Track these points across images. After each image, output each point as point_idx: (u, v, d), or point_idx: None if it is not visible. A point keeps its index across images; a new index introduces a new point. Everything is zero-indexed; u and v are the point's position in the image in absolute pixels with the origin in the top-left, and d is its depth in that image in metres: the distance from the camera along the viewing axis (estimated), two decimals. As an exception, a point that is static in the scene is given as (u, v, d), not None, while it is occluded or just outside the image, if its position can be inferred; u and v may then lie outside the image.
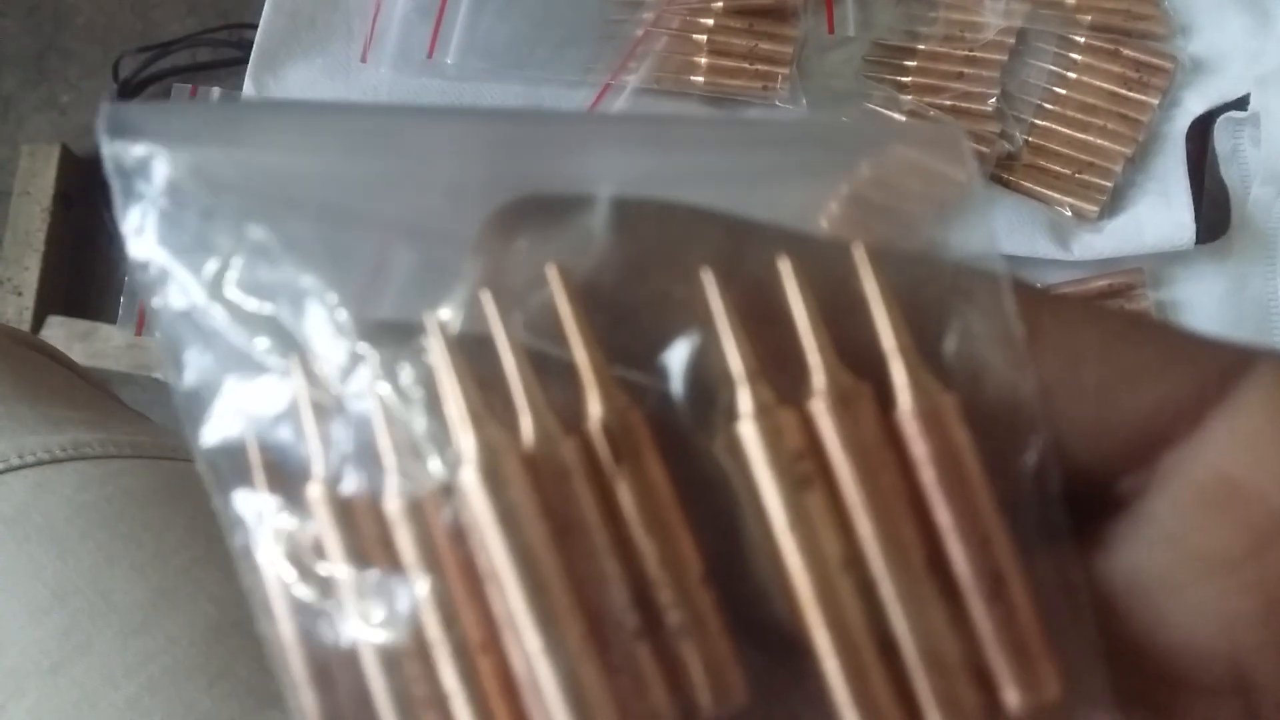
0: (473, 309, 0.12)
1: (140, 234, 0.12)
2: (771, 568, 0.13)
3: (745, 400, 0.13)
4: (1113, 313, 0.13)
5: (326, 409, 0.12)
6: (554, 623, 0.12)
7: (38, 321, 0.77)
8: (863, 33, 0.52)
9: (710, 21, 0.49)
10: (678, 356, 0.13)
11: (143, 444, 0.38)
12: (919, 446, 0.13)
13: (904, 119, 0.49)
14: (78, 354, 0.64)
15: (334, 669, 0.12)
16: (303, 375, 0.13)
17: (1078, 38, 0.52)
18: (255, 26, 0.61)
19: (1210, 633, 0.13)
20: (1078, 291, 0.49)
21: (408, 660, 0.12)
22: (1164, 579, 0.13)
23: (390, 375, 0.12)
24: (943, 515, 0.13)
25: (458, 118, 0.16)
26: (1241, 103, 0.52)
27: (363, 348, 0.12)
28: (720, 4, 0.49)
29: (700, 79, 0.49)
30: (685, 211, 0.13)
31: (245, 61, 0.63)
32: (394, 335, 0.12)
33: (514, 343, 0.12)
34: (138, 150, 0.12)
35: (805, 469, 0.13)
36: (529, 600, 0.12)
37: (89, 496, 0.35)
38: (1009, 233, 0.47)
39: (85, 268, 0.97)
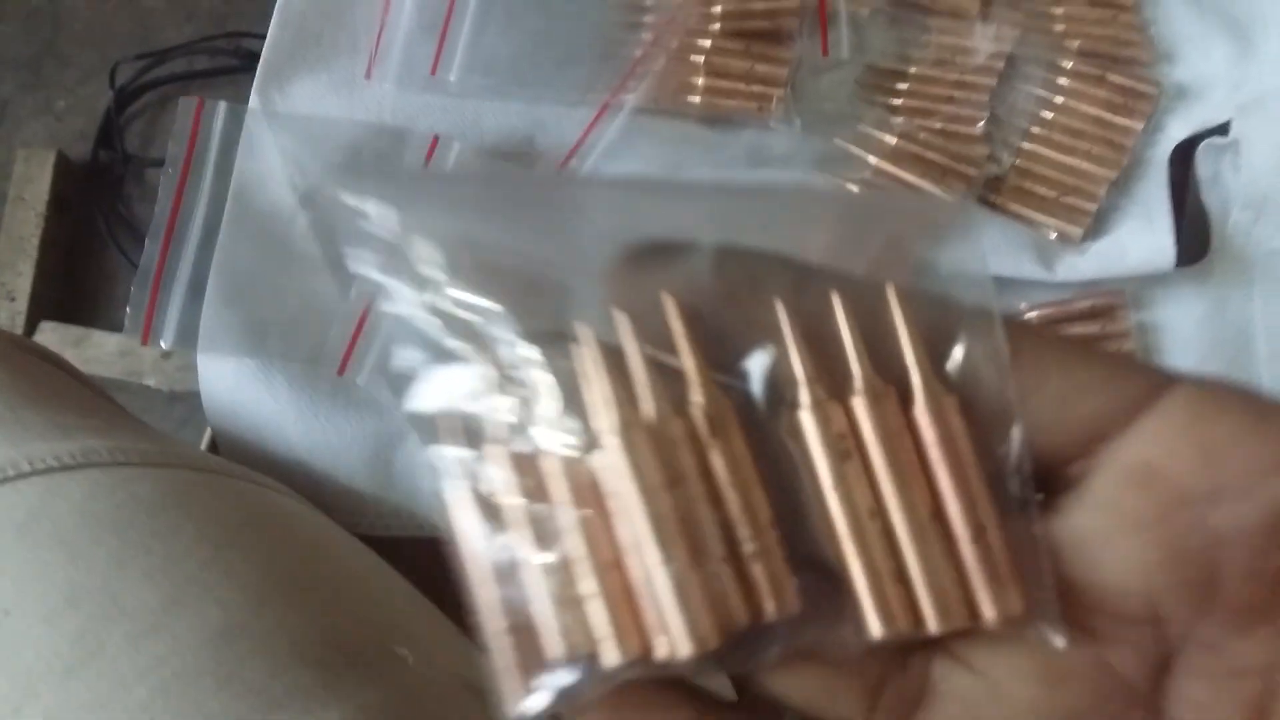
0: (607, 323, 0.17)
1: (364, 261, 0.18)
2: (819, 515, 0.18)
3: (804, 396, 0.18)
4: (1073, 340, 0.19)
5: (501, 389, 0.17)
6: (668, 545, 0.17)
7: (30, 326, 0.77)
8: (856, 56, 0.53)
9: (708, 43, 0.50)
10: (757, 363, 0.18)
11: (150, 452, 0.39)
12: (928, 432, 0.18)
13: (905, 184, 0.50)
14: (70, 359, 0.64)
15: (504, 576, 0.17)
16: (487, 364, 0.17)
17: (1065, 64, 0.53)
18: (253, 35, 0.62)
19: (1131, 576, 0.18)
20: (1062, 312, 0.50)
21: (557, 571, 0.17)
22: (1099, 536, 0.18)
23: (547, 368, 0.17)
24: (943, 481, 0.18)
25: (592, 186, 0.21)
26: (1223, 129, 0.54)
27: (528, 347, 0.17)
28: (718, 26, 0.50)
29: (697, 99, 0.50)
30: (764, 256, 0.18)
31: (242, 70, 0.64)
32: (550, 339, 0.17)
33: (638, 349, 0.17)
34: (366, 204, 0.17)
35: (846, 445, 0.18)
36: (652, 527, 0.17)
37: (99, 504, 0.35)
38: (995, 253, 0.49)
39: (79, 273, 0.97)
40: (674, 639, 0.17)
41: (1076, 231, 0.51)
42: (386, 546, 0.41)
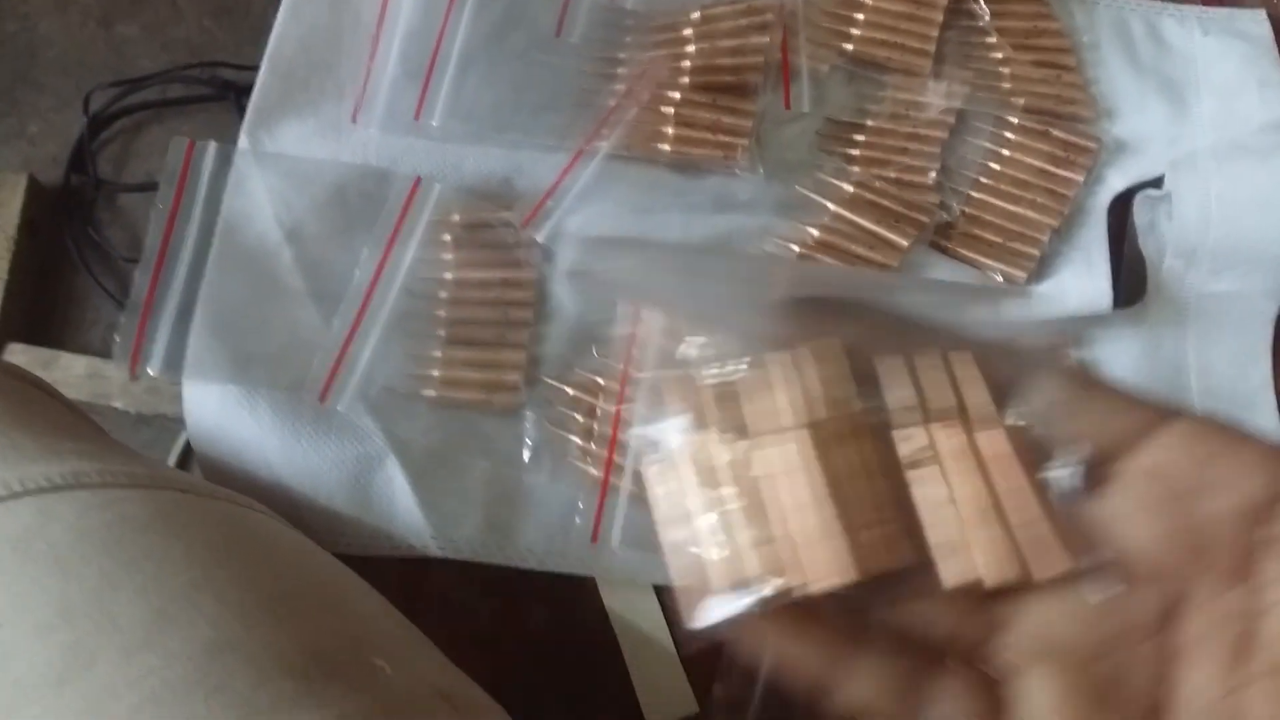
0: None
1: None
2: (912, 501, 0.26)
3: (901, 418, 0.26)
4: (1102, 381, 0.27)
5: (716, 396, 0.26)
6: (824, 506, 0.24)
7: None
8: (817, 109, 0.56)
9: (677, 95, 0.53)
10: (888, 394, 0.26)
11: (137, 474, 0.40)
12: (990, 450, 0.26)
13: (862, 229, 0.54)
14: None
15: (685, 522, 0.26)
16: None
17: (1012, 119, 0.57)
18: (229, 65, 0.63)
19: (1146, 545, 0.25)
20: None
21: (731, 520, 0.25)
22: (1123, 517, 0.25)
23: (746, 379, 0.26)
24: (1000, 483, 0.25)
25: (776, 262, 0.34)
26: (1158, 182, 0.57)
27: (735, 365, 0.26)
28: (686, 80, 0.53)
29: (667, 147, 0.53)
30: (892, 317, 0.27)
31: (217, 99, 0.65)
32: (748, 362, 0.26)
33: (814, 370, 0.26)
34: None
35: (926, 455, 0.26)
36: (815, 493, 0.25)
37: (90, 523, 0.37)
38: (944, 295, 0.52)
39: (48, 296, 0.97)
40: (823, 571, 0.24)
41: (1021, 275, 0.54)
42: (362, 566, 0.43)
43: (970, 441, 0.25)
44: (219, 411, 0.47)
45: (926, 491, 0.25)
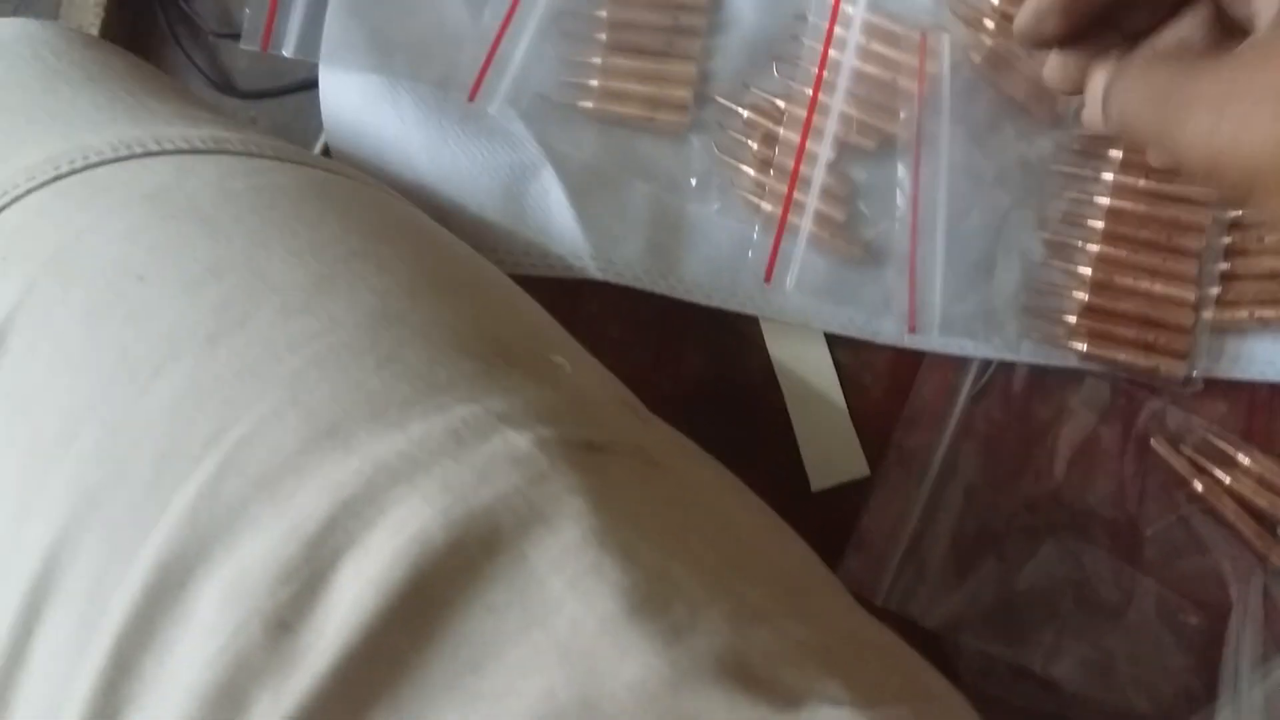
0: None
1: None
2: None
3: None
4: None
5: None
6: None
7: None
8: None
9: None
10: None
11: (283, 148, 0.36)
12: None
13: None
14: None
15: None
16: None
17: None
18: None
19: None
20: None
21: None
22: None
23: None
24: None
25: None
26: None
27: None
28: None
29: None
30: None
31: None
32: None
33: None
34: None
35: None
36: None
37: (237, 185, 0.32)
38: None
39: (141, 40, 0.93)
40: None
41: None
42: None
43: None
44: (359, 105, 0.42)
45: None
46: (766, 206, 0.44)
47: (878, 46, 0.44)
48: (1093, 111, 0.32)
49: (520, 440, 0.27)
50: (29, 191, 0.32)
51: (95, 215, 0.31)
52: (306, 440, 0.26)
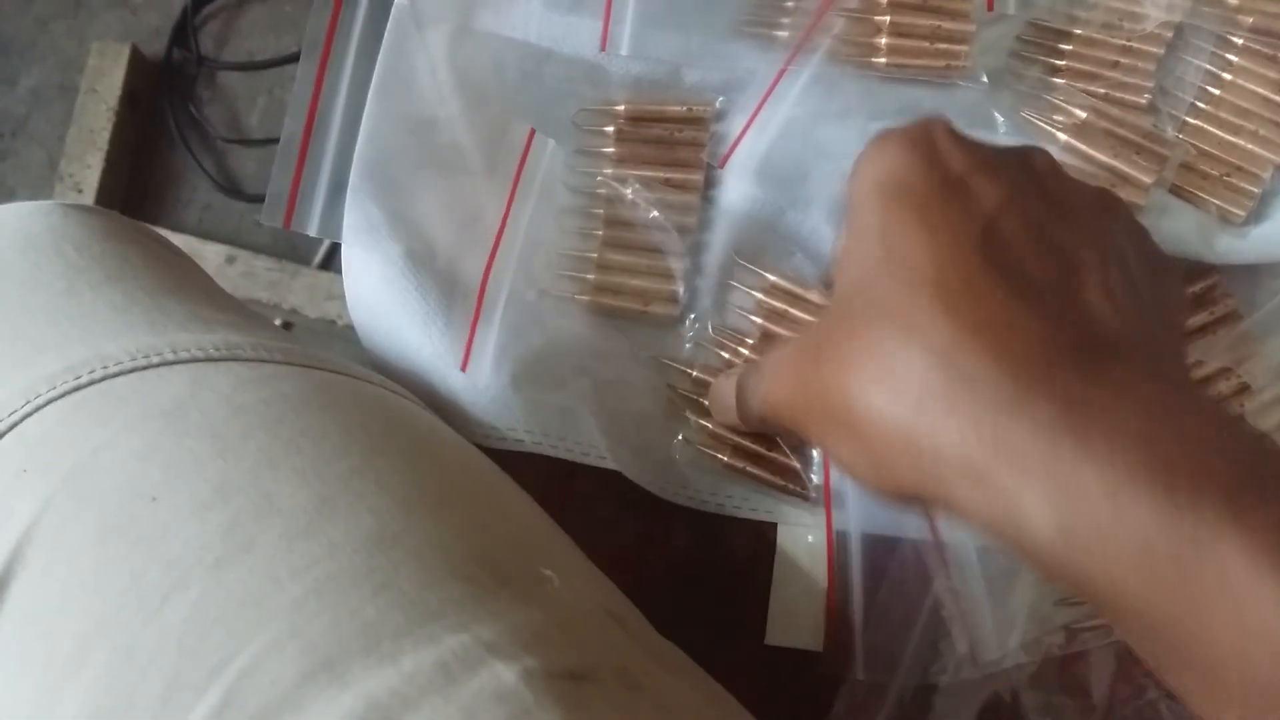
0: None
1: None
2: None
3: None
4: None
5: None
6: None
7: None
8: (1021, 11, 0.51)
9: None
10: None
11: (290, 350, 0.38)
12: None
13: (1096, 162, 0.48)
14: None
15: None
16: None
17: (1236, 39, 0.51)
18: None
19: None
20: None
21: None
22: None
23: None
24: None
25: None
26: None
27: None
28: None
29: (882, 60, 0.48)
30: None
31: None
32: None
33: None
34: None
35: None
36: None
37: (247, 398, 0.34)
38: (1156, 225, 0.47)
39: (146, 171, 0.95)
40: None
41: (1239, 213, 0.49)
42: (510, 463, 0.40)
43: None
44: (378, 283, 0.44)
45: None
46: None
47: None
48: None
49: (507, 674, 0.28)
50: (50, 400, 0.34)
51: (112, 431, 0.33)
52: (304, 674, 0.28)
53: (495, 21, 0.48)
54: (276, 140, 0.45)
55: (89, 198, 0.90)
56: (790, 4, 0.49)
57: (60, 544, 0.31)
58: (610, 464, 0.45)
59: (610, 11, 0.48)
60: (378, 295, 0.44)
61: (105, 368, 0.34)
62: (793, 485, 0.46)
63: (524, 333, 0.45)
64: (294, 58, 0.59)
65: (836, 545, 0.45)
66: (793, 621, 0.45)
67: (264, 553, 0.30)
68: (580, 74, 0.48)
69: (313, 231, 0.45)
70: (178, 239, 0.58)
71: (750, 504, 0.46)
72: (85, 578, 0.30)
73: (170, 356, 0.35)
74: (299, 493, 0.31)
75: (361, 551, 0.30)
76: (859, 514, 0.44)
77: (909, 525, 0.44)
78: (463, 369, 0.43)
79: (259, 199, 0.54)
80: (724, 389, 0.43)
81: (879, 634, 0.43)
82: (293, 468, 0.32)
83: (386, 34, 0.46)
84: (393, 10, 0.46)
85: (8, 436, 0.33)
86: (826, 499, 0.45)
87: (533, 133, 0.47)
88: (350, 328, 0.46)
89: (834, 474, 0.45)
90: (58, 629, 0.30)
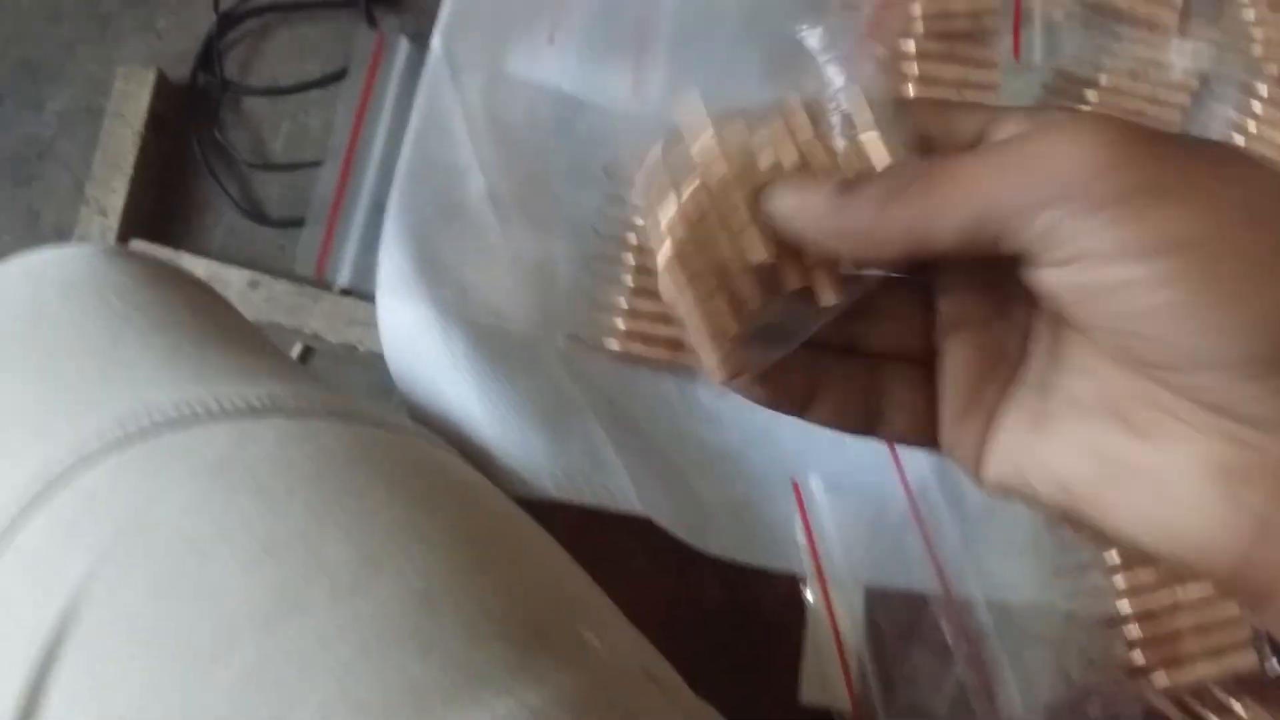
0: None
1: None
2: None
3: None
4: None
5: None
6: None
7: (120, 244, 0.77)
8: (1047, 61, 0.51)
9: (912, 47, 0.48)
10: None
11: (333, 403, 0.38)
12: None
13: None
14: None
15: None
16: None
17: (1261, 87, 0.51)
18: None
19: None
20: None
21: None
22: None
23: None
24: None
25: None
26: None
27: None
28: (920, 28, 0.48)
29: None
30: None
31: (347, 4, 0.62)
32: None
33: None
34: None
35: None
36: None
37: (292, 453, 0.35)
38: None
39: (171, 196, 0.96)
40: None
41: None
42: (540, 515, 0.40)
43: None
44: (413, 332, 0.45)
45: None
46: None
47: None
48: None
49: (551, 741, 0.29)
50: (99, 452, 0.34)
51: (160, 485, 0.33)
52: (356, 737, 0.28)
53: (529, 68, 0.49)
54: (300, 165, 0.45)
55: (114, 222, 0.91)
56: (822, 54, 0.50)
57: (115, 600, 0.31)
58: (638, 508, 0.45)
59: (642, 61, 0.48)
60: (411, 344, 0.45)
61: (152, 419, 0.35)
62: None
63: (552, 376, 0.45)
64: (318, 83, 0.60)
65: (835, 601, 0.45)
66: (827, 681, 0.46)
67: (312, 611, 0.30)
68: (612, 122, 0.49)
69: (343, 283, 0.46)
70: (201, 263, 0.59)
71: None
72: (139, 635, 0.30)
73: (214, 408, 0.36)
74: (345, 549, 0.32)
75: (409, 611, 0.31)
76: (856, 566, 0.45)
77: (914, 577, 0.45)
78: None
79: (282, 224, 0.55)
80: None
81: (910, 693, 0.44)
82: (338, 524, 0.33)
83: (421, 83, 0.46)
84: (428, 59, 0.47)
85: (59, 490, 0.34)
86: (812, 548, 0.45)
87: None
88: (371, 354, 0.47)
89: (816, 531, 0.46)
90: (115, 688, 0.30)
